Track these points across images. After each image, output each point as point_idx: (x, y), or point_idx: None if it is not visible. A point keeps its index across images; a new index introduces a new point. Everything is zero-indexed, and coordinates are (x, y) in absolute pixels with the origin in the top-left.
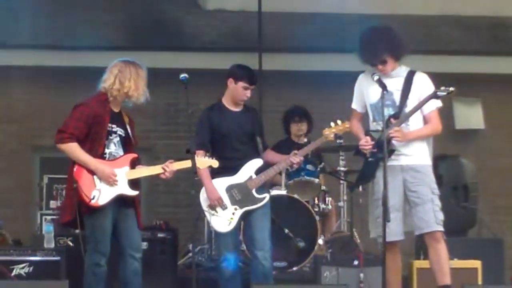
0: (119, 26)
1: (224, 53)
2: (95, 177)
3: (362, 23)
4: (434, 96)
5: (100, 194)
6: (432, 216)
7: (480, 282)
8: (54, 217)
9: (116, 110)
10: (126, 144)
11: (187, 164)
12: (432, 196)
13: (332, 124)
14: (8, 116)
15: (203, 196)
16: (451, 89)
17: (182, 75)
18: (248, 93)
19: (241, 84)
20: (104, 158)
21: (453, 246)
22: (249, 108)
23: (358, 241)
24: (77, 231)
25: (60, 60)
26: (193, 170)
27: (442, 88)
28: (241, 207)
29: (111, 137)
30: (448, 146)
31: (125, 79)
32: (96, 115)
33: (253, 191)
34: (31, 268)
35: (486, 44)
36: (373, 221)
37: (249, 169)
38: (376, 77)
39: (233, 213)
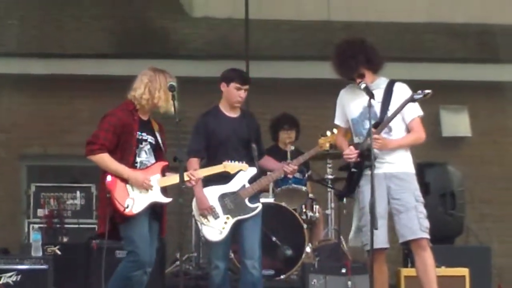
0: (107, 34)
1: (211, 61)
2: (128, 185)
3: (348, 30)
4: (411, 99)
5: (134, 203)
6: (416, 223)
7: None
8: (42, 225)
9: (144, 118)
10: (157, 151)
11: (213, 170)
12: (416, 204)
13: (328, 133)
14: None
15: (195, 204)
16: (427, 91)
17: (170, 83)
18: (241, 93)
19: (233, 85)
20: (135, 167)
21: (441, 254)
22: (246, 114)
23: (346, 249)
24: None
25: (47, 68)
26: (180, 179)
27: (419, 91)
28: (233, 217)
29: (141, 146)
30: (435, 154)
31: (155, 89)
32: (125, 124)
33: (246, 200)
34: (18, 277)
35: (473, 51)
36: (356, 229)
37: (242, 177)
38: (363, 85)
39: (225, 222)
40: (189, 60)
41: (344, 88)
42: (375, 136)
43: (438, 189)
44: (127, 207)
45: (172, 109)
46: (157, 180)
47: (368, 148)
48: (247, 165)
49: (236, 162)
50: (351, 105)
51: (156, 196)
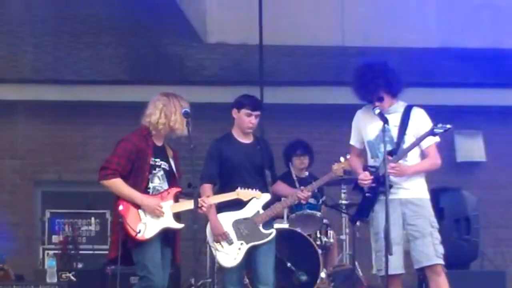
0: (121, 60)
1: (225, 87)
2: (140, 211)
3: (363, 56)
4: (431, 133)
5: (146, 228)
6: (432, 250)
7: None
8: (57, 251)
9: (159, 144)
10: (170, 177)
11: (226, 197)
12: (431, 230)
13: (342, 159)
14: (10, 151)
15: (209, 230)
16: (448, 126)
17: (184, 109)
18: (252, 119)
19: (243, 111)
20: (147, 193)
21: (456, 279)
22: (259, 140)
23: (361, 274)
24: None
25: (62, 94)
26: (195, 205)
27: (440, 125)
28: (247, 243)
29: (154, 171)
30: (449, 179)
31: (170, 113)
32: (139, 150)
33: (260, 226)
34: None
35: (487, 76)
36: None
37: (256, 203)
38: (377, 111)
39: (239, 248)
40: (204, 86)
41: (360, 109)
42: (392, 164)
43: (452, 214)
44: (139, 232)
45: (186, 131)
46: (169, 206)
47: (383, 175)
48: (260, 193)
49: (250, 190)
50: (368, 127)
51: (168, 222)
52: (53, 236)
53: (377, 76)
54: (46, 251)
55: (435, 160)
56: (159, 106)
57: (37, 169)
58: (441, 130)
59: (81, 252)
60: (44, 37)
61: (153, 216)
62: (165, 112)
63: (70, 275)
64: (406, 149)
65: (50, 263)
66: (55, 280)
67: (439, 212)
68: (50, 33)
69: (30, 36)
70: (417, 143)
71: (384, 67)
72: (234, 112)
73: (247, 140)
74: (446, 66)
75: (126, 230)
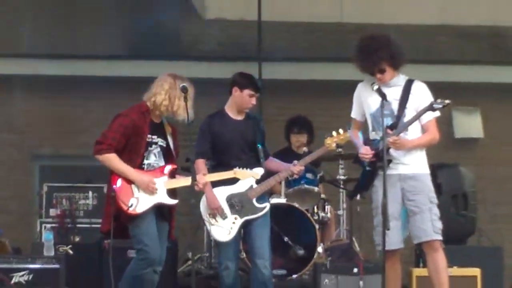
0: (119, 35)
1: (223, 62)
2: (133, 186)
3: (361, 32)
4: (430, 108)
5: (138, 202)
6: (430, 225)
7: None
8: (54, 225)
9: (157, 121)
10: (167, 154)
11: (223, 175)
12: (430, 205)
13: (334, 133)
14: (8, 125)
15: (203, 205)
16: (447, 101)
17: (182, 84)
18: (253, 100)
19: (246, 92)
20: (142, 169)
21: (453, 254)
22: (250, 116)
23: (358, 249)
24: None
25: (59, 69)
26: (193, 179)
27: (439, 100)
28: (241, 217)
29: (151, 148)
30: (447, 155)
31: (174, 97)
32: (136, 126)
33: (254, 200)
34: (30, 276)
35: (485, 53)
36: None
37: (250, 178)
38: (375, 87)
39: (233, 223)
40: (202, 62)
41: (362, 82)
42: (394, 137)
43: (450, 190)
44: (131, 206)
45: (187, 117)
46: (163, 182)
47: (383, 149)
48: (258, 174)
49: (247, 170)
50: (369, 99)
51: (162, 197)
52: (51, 210)
53: (380, 48)
54: (44, 225)
55: (434, 135)
56: (166, 87)
57: (34, 144)
58: (440, 106)
59: (78, 225)
60: (41, 11)
61: (146, 191)
62: (170, 95)
63: (68, 248)
64: (406, 123)
65: (47, 237)
66: (52, 253)
67: (436, 188)
68: (47, 7)
69: (27, 11)
70: (417, 117)
71: (388, 40)
72: (235, 90)
73: (239, 117)
74: (444, 42)
75: (118, 204)
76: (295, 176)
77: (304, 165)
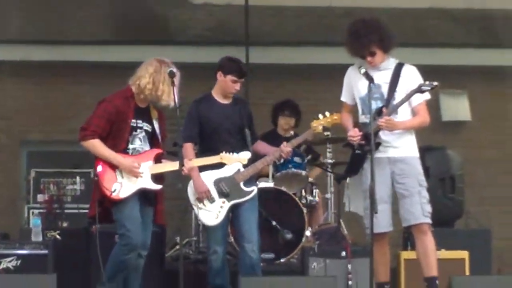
0: (106, 21)
1: (210, 47)
2: (117, 171)
3: (350, 16)
4: (418, 90)
5: (122, 187)
6: (419, 208)
7: (467, 272)
8: (42, 210)
9: (142, 105)
10: (153, 139)
11: (209, 160)
12: (419, 188)
13: (320, 116)
14: None
15: (191, 189)
16: (435, 83)
17: (169, 69)
18: (237, 86)
19: (229, 77)
20: (127, 153)
21: (441, 237)
22: (238, 100)
23: (346, 232)
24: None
25: (48, 54)
26: (180, 163)
27: (427, 82)
28: (229, 200)
29: (135, 133)
30: (434, 138)
31: (159, 81)
32: (119, 111)
33: (241, 184)
34: (18, 262)
35: (473, 36)
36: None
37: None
38: (363, 70)
39: (221, 206)
40: (189, 46)
41: (352, 65)
42: (385, 117)
43: (437, 173)
44: (114, 191)
45: (173, 103)
46: (148, 167)
47: (373, 132)
48: (245, 159)
49: (234, 154)
50: (359, 83)
51: (146, 182)
52: (38, 195)
53: (371, 31)
54: (31, 210)
55: (424, 118)
56: (150, 71)
57: (23, 129)
58: (428, 88)
59: (66, 211)
60: None
61: (130, 176)
62: (154, 79)
63: (55, 233)
64: (396, 105)
65: (35, 222)
66: (40, 238)
67: (424, 171)
68: None
69: None
70: (405, 99)
71: (378, 23)
72: (219, 75)
73: (226, 101)
74: (433, 26)
75: (101, 190)
76: (284, 157)
77: (292, 147)
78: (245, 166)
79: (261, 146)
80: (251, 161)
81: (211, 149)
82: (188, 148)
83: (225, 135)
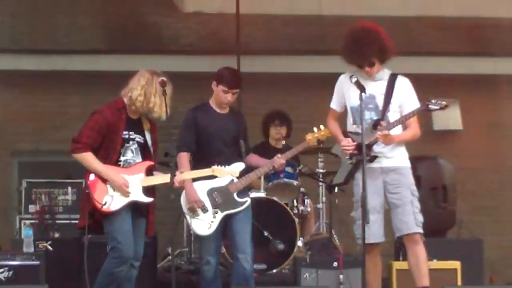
0: (99, 30)
1: (202, 56)
2: (108, 183)
3: (341, 24)
4: (426, 108)
5: (113, 200)
6: (412, 218)
7: (459, 282)
8: (33, 221)
9: (134, 117)
10: (145, 151)
11: (201, 173)
12: (412, 198)
13: (315, 129)
14: None
15: (183, 198)
16: (444, 103)
17: (161, 78)
18: (228, 96)
19: (221, 87)
20: (119, 165)
21: (433, 247)
22: (234, 112)
23: (338, 242)
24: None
25: (39, 64)
26: (172, 174)
27: (433, 101)
28: (222, 211)
29: (128, 144)
30: (426, 147)
31: (150, 94)
32: (110, 123)
33: (234, 195)
34: (10, 273)
35: (464, 45)
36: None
37: None
38: (354, 79)
39: (214, 217)
40: (181, 55)
41: (344, 74)
42: (385, 131)
43: (429, 182)
44: (105, 204)
45: (164, 115)
46: (139, 180)
47: (368, 144)
48: (237, 172)
49: (226, 167)
50: (351, 92)
51: (137, 195)
52: (30, 206)
53: (373, 41)
54: (23, 221)
55: (416, 130)
56: (142, 83)
57: (13, 139)
58: (437, 107)
59: (58, 221)
60: (20, 5)
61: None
62: (146, 91)
63: (47, 244)
64: (397, 121)
65: (26, 233)
66: (32, 249)
67: (416, 181)
68: (26, 1)
69: (6, 5)
70: (409, 116)
71: (379, 33)
72: (213, 84)
73: (223, 111)
74: (423, 34)
75: (92, 202)
76: (277, 169)
77: (286, 159)
78: (238, 177)
79: (254, 158)
80: (244, 173)
81: (204, 158)
82: (183, 158)
83: (220, 145)
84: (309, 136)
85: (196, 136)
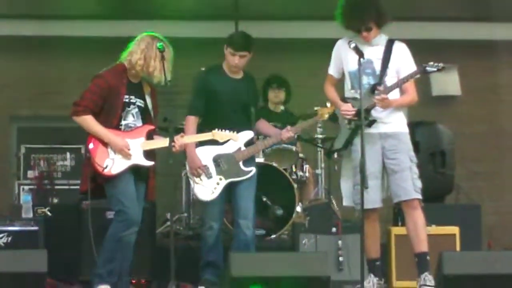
0: None
1: (200, 21)
2: (109, 147)
3: None
4: (423, 71)
5: (114, 164)
6: (410, 184)
7: (458, 248)
8: (32, 186)
9: (135, 81)
10: (145, 115)
11: (201, 137)
12: (410, 164)
13: (328, 104)
14: None
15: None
16: (441, 65)
17: (159, 44)
18: (236, 59)
19: (229, 50)
20: (119, 129)
21: (431, 213)
22: (248, 77)
23: (336, 208)
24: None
25: (36, 29)
26: (170, 139)
27: (431, 63)
28: (226, 178)
29: (128, 109)
30: (425, 113)
31: (150, 58)
32: (111, 87)
33: (240, 163)
34: (9, 238)
35: (463, 10)
36: (347, 188)
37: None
38: (352, 45)
39: (217, 183)
40: (178, 20)
41: (341, 38)
42: (383, 95)
43: (428, 148)
44: (106, 167)
45: (163, 80)
46: (140, 144)
47: (366, 109)
48: (237, 136)
49: (226, 131)
50: (349, 57)
51: (138, 159)
52: (29, 172)
53: (370, 6)
54: (22, 187)
55: (413, 96)
56: (142, 47)
57: (12, 105)
58: (434, 69)
59: (56, 187)
60: None
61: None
62: (145, 55)
63: (46, 210)
64: (394, 85)
65: (25, 198)
66: (30, 215)
67: (414, 146)
68: None
69: None
70: (408, 78)
71: None
72: (225, 47)
73: (235, 75)
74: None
75: (93, 166)
76: (286, 142)
77: (295, 132)
78: (246, 145)
79: (264, 125)
80: (254, 140)
81: (212, 123)
82: (190, 121)
83: (229, 110)
84: (321, 111)
85: (205, 100)
